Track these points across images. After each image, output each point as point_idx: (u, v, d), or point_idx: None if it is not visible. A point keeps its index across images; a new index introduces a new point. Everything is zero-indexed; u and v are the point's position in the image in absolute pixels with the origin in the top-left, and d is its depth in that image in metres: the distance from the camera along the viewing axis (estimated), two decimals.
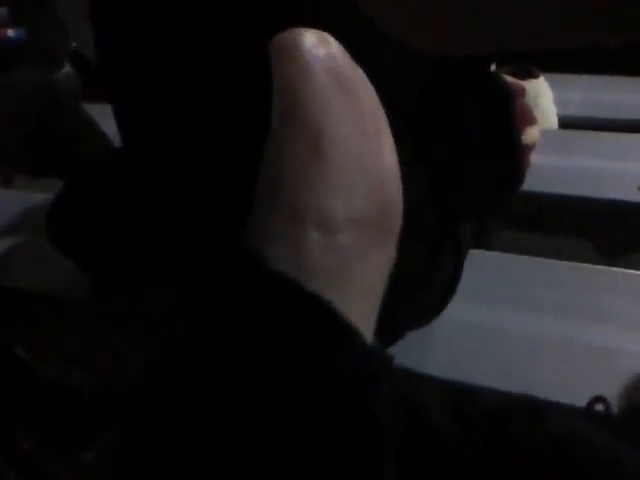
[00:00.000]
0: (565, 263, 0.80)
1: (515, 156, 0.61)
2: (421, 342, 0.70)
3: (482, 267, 0.77)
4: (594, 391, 0.68)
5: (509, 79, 0.67)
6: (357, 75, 0.41)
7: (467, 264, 0.69)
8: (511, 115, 0.60)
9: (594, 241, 0.87)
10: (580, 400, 0.66)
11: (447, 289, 0.65)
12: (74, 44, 1.41)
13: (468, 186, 0.61)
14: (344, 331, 0.37)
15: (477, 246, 0.74)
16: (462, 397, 0.44)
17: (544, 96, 1.11)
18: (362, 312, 0.40)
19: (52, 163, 0.75)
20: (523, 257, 0.81)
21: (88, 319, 0.68)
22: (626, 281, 0.79)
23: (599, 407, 0.63)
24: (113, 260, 0.65)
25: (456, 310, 0.69)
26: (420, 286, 0.61)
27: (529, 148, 0.65)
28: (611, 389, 0.69)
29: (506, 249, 0.83)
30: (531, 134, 0.64)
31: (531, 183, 0.67)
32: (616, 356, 0.72)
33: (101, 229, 0.64)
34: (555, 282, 0.79)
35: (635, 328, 0.74)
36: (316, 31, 0.40)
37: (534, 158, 0.67)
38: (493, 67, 0.82)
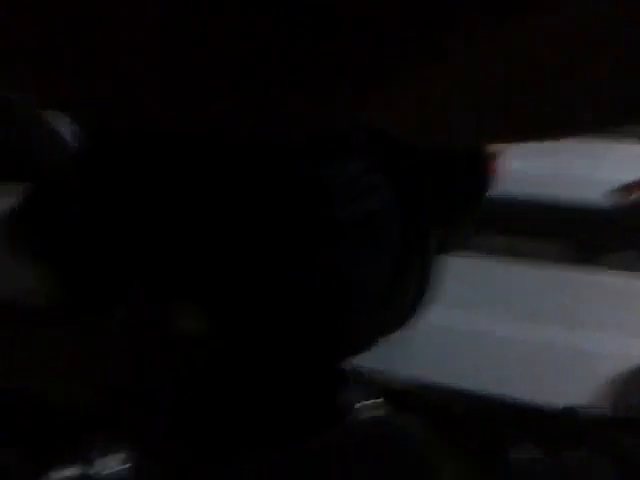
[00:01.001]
0: (538, 266, 0.80)
1: (481, 164, 0.60)
2: (397, 346, 0.70)
3: (456, 271, 0.76)
4: (569, 393, 0.68)
5: None
6: None
7: (442, 268, 0.68)
8: None
9: (567, 244, 0.87)
10: (555, 403, 0.66)
11: (417, 297, 0.65)
12: None
13: (436, 195, 0.60)
14: None
15: (448, 250, 0.73)
16: None
17: None
18: None
19: (6, 166, 0.72)
20: (496, 261, 0.80)
21: (42, 328, 0.65)
22: (599, 284, 0.79)
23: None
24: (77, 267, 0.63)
25: (431, 314, 0.68)
26: (389, 295, 0.60)
27: (494, 155, 0.64)
28: (587, 392, 0.69)
29: (479, 252, 0.83)
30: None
31: (503, 187, 0.67)
32: (589, 359, 0.72)
33: (64, 235, 0.62)
34: (529, 285, 0.79)
35: (606, 330, 0.74)
36: None
37: (506, 162, 0.67)
38: None
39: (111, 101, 0.27)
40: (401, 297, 0.61)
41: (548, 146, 1.05)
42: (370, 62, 0.24)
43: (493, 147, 0.64)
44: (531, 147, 0.98)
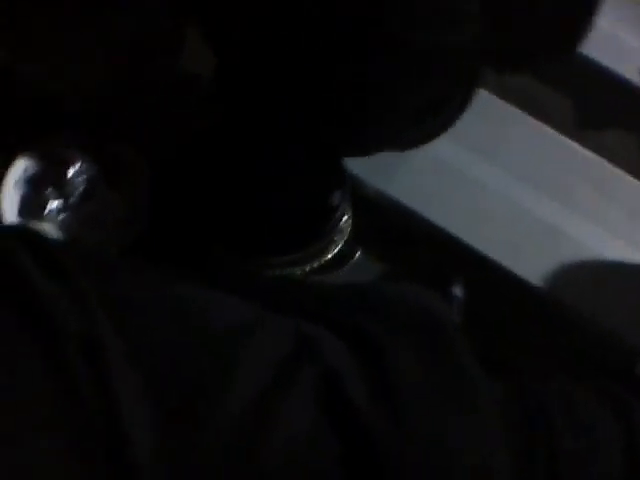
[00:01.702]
0: (550, 131, 0.76)
1: None
2: (397, 168, 0.73)
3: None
4: (535, 266, 0.70)
5: None
6: None
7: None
8: None
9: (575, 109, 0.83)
10: (521, 268, 0.69)
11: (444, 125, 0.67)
12: None
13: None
14: None
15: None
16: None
17: None
18: None
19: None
20: (515, 111, 0.77)
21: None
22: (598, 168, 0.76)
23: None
24: None
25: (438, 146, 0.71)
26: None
27: None
28: (551, 269, 0.70)
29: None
30: None
31: None
32: (565, 239, 0.72)
33: None
34: (536, 148, 0.76)
35: (593, 218, 0.72)
36: None
37: None
38: None
39: None
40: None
41: None
42: None
43: None
44: None
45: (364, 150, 0.68)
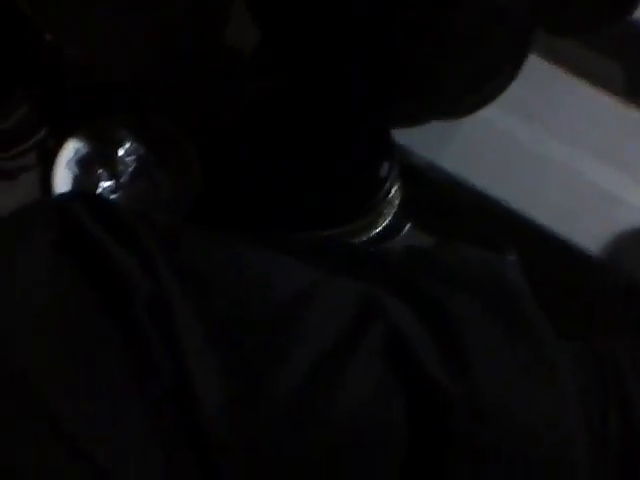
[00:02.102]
0: (604, 96, 0.74)
1: None
2: (446, 138, 0.72)
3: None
4: (592, 234, 0.68)
5: None
6: None
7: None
8: None
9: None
10: (577, 237, 0.67)
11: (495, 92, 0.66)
12: None
13: None
14: None
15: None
16: None
17: None
18: None
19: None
20: (567, 76, 0.75)
21: None
22: None
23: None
24: None
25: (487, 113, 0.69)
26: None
27: None
28: (608, 236, 0.68)
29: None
30: None
31: None
32: (622, 205, 0.70)
33: None
34: (590, 114, 0.73)
35: None
36: None
37: None
38: None
39: None
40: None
41: None
42: None
43: None
44: None
45: (414, 120, 0.67)
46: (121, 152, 0.74)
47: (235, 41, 0.71)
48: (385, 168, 0.67)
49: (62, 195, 0.63)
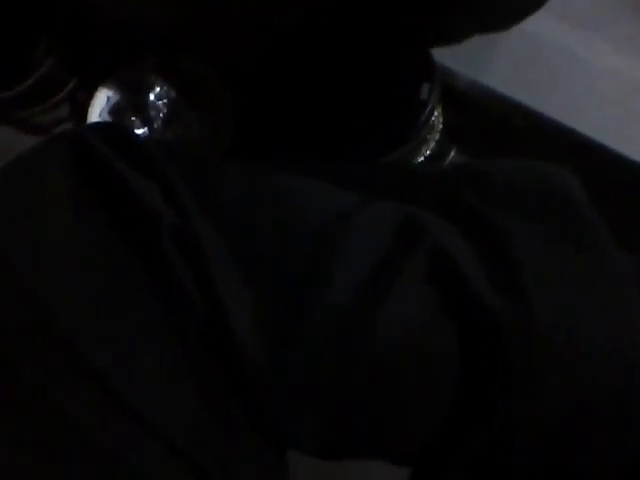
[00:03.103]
0: None
1: None
2: (489, 54, 0.68)
3: None
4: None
5: None
6: None
7: None
8: None
9: None
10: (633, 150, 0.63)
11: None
12: None
13: None
14: None
15: None
16: None
17: None
18: None
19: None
20: None
21: None
22: None
23: None
24: None
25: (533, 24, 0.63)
26: None
27: None
28: None
29: None
30: None
31: None
32: None
33: None
34: None
35: None
36: None
37: None
38: None
39: None
40: None
41: None
42: None
43: None
44: None
45: (453, 36, 0.62)
46: (152, 97, 0.72)
47: None
48: (425, 90, 0.63)
49: (83, 127, 0.61)
